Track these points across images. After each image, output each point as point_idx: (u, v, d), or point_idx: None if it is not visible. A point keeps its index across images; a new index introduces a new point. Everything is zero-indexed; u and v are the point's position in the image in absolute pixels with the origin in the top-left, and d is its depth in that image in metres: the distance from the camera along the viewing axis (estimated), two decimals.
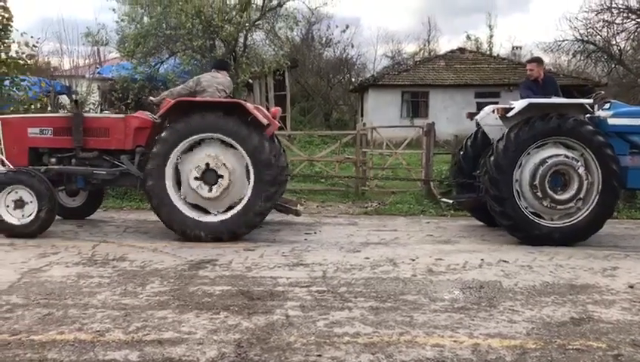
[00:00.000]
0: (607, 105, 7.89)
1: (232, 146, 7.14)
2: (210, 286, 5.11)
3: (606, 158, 7.19)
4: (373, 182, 12.22)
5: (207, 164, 7.05)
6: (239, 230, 7.13)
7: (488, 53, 36.92)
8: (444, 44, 72.46)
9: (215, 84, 7.72)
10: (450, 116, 26.04)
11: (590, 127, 7.27)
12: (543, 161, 7.19)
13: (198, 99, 7.45)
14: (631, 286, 5.32)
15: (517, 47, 42.85)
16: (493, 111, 7.82)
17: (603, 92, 8.12)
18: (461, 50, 33.93)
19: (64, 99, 14.83)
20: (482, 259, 6.31)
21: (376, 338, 3.93)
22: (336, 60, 39.31)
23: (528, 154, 7.28)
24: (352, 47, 39.81)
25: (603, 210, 7.25)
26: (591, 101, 7.60)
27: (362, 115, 31.36)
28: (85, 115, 7.82)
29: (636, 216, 9.58)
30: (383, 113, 27.06)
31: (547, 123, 7.19)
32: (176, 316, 4.30)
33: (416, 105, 29.58)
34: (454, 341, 3.90)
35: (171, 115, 7.33)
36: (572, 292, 5.09)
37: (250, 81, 18.84)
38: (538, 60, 8.59)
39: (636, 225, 9.06)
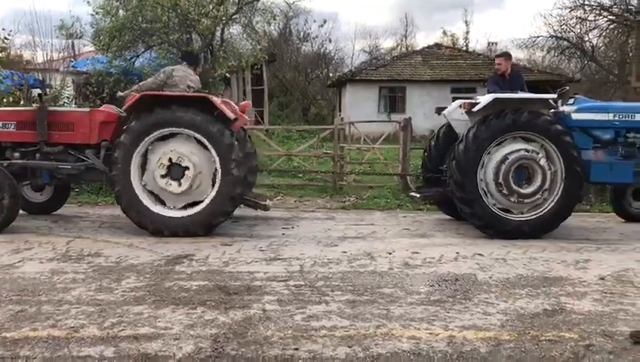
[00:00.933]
0: (571, 101, 8.01)
1: (200, 142, 7.07)
2: (186, 281, 5.08)
3: (566, 146, 7.28)
4: (350, 176, 12.25)
5: (170, 159, 6.97)
6: (199, 227, 7.04)
7: (464, 49, 37.23)
8: (422, 40, 72.95)
9: (188, 81, 7.67)
10: (426, 111, 26.05)
11: (547, 118, 7.36)
12: (505, 158, 7.27)
13: (164, 93, 7.36)
14: (602, 278, 5.42)
15: (493, 43, 43.07)
16: (460, 106, 7.88)
17: (568, 87, 8.24)
18: (438, 45, 34.17)
19: (37, 92, 14.55)
20: (457, 253, 6.38)
21: (352, 331, 3.95)
22: (314, 55, 39.33)
23: (489, 153, 7.35)
24: (330, 42, 39.94)
25: (569, 198, 7.35)
26: (555, 96, 7.71)
27: (340, 110, 31.41)
28: (49, 108, 7.65)
29: (607, 210, 9.77)
30: (360, 108, 27.14)
31: (502, 120, 7.25)
32: (152, 311, 4.27)
33: (393, 100, 29.69)
34: (430, 333, 3.94)
35: (137, 109, 7.21)
36: (545, 285, 5.18)
37: (228, 75, 18.70)
38: (506, 55, 8.67)
39: (607, 218, 9.24)
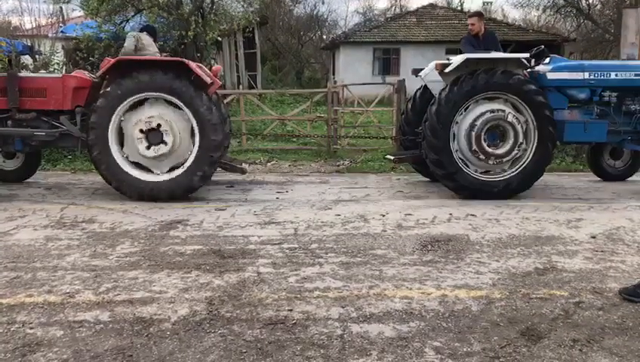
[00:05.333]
0: (547, 60, 7.95)
1: (176, 106, 7.03)
2: (181, 245, 5.11)
3: (538, 105, 7.24)
4: (344, 140, 12.22)
5: (159, 125, 6.93)
6: (178, 191, 7.06)
7: (459, 8, 36.68)
8: (416, 0, 71.82)
9: (152, 48, 7.64)
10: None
11: (519, 77, 7.27)
12: (472, 125, 7.24)
13: (140, 57, 7.27)
14: (593, 237, 5.48)
15: (487, 3, 42.68)
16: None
17: (543, 46, 8.15)
18: (432, 5, 33.65)
19: (27, 59, 14.37)
20: (451, 214, 6.42)
21: (346, 292, 3.99)
22: (307, 17, 38.77)
23: (457, 123, 7.30)
24: (323, 3, 39.66)
25: (543, 154, 7.34)
26: (527, 55, 7.64)
27: (334, 73, 31.12)
28: (20, 74, 7.54)
29: None
30: (354, 70, 26.90)
31: (475, 80, 7.17)
32: (147, 276, 4.30)
33: (387, 62, 29.40)
34: (422, 293, 3.99)
35: (113, 74, 7.13)
36: (537, 244, 5.23)
37: (219, 38, 18.45)
38: (479, 14, 8.51)
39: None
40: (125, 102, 6.94)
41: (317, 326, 3.44)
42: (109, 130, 6.95)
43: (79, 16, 19.50)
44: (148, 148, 6.98)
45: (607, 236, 5.52)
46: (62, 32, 17.94)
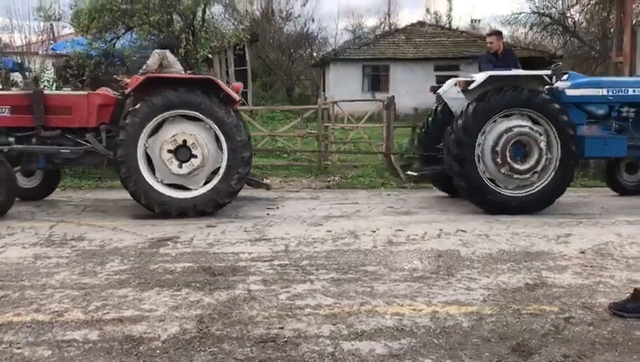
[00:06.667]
0: (565, 77, 8.09)
1: (194, 118, 7.07)
2: (171, 263, 5.08)
3: (555, 113, 7.34)
4: (335, 156, 12.25)
5: (185, 141, 6.98)
6: (221, 199, 7.15)
7: (447, 26, 37.03)
8: (405, 18, 72.33)
9: (177, 65, 7.71)
10: (410, 90, 26.13)
11: (545, 96, 7.42)
12: (508, 130, 7.28)
13: (168, 75, 7.36)
14: (582, 252, 5.51)
15: (475, 20, 43.12)
16: (455, 85, 7.93)
17: (561, 63, 8.33)
18: (421, 23, 33.99)
19: (16, 76, 14.35)
20: (441, 229, 6.44)
21: (337, 309, 3.98)
22: (298, 35, 38.92)
23: (484, 132, 7.38)
24: (313, 21, 39.54)
25: (570, 160, 7.43)
26: (549, 72, 7.77)
27: (324, 90, 31.25)
28: (46, 92, 7.58)
29: (589, 185, 9.88)
30: (344, 87, 27.05)
31: (502, 96, 7.30)
32: (136, 294, 4.27)
33: (377, 79, 29.63)
34: (413, 309, 3.99)
35: (140, 92, 7.16)
36: (527, 259, 5.25)
37: (210, 56, 18.53)
38: (497, 33, 8.73)
39: (588, 193, 9.37)
40: (153, 120, 6.97)
41: (308, 343, 3.42)
42: (138, 147, 6.95)
43: (70, 34, 19.50)
44: (180, 166, 7.02)
45: (596, 251, 5.55)
46: (52, 49, 17.95)
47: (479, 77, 7.54)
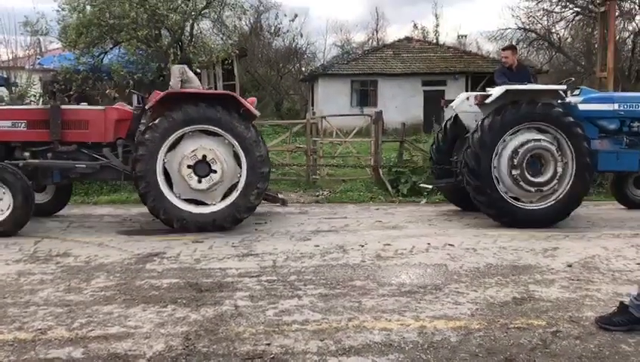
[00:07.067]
0: (577, 92, 8.21)
1: (212, 133, 7.07)
2: (157, 279, 5.03)
3: (578, 138, 7.39)
4: (323, 170, 12.26)
5: (205, 156, 6.96)
6: (240, 215, 7.15)
7: (435, 42, 37.41)
8: (392, 34, 73.29)
9: (196, 78, 7.77)
10: (398, 104, 26.34)
11: (559, 110, 7.48)
12: (521, 145, 7.32)
13: (189, 90, 7.37)
14: (569, 266, 5.53)
15: (462, 36, 43.75)
16: (467, 99, 8.08)
17: (573, 79, 8.49)
18: (408, 39, 34.34)
19: (2, 90, 14.25)
20: (429, 244, 6.44)
21: (325, 324, 3.96)
22: (286, 50, 39.16)
23: (504, 141, 7.43)
24: (302, 36, 39.84)
25: (585, 173, 7.48)
26: (564, 87, 7.90)
27: (313, 105, 31.39)
28: (63, 107, 7.52)
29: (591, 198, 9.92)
30: (333, 102, 27.18)
31: (518, 110, 7.37)
32: (122, 310, 4.22)
33: (365, 93, 29.82)
34: (401, 324, 3.97)
35: (158, 107, 7.15)
36: (514, 273, 5.25)
37: (198, 70, 18.53)
38: (512, 48, 8.92)
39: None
40: (173, 135, 6.95)
41: (295, 360, 3.39)
42: (157, 162, 6.92)
43: (57, 48, 19.46)
44: (199, 181, 6.98)
45: (583, 265, 5.57)
46: (39, 63, 17.86)
47: (495, 91, 7.63)
